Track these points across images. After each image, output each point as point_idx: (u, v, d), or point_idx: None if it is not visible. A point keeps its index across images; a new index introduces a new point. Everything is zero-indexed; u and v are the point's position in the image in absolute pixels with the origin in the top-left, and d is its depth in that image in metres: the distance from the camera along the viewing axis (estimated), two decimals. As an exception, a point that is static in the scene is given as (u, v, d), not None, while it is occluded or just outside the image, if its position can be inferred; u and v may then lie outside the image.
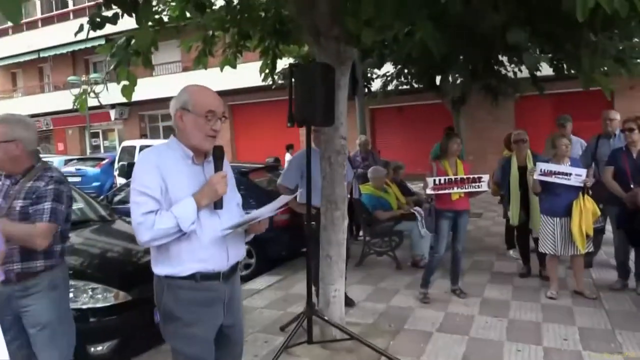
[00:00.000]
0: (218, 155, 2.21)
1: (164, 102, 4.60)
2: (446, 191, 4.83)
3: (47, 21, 26.04)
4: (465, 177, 4.88)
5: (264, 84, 9.77)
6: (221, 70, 6.83)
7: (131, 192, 2.08)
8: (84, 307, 3.59)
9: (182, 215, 2.03)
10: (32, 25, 26.45)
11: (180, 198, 2.06)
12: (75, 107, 5.06)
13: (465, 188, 4.87)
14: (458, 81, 9.89)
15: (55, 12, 26.15)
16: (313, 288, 3.93)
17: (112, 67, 4.91)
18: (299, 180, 4.75)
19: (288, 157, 14.46)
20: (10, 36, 26.55)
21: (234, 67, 6.87)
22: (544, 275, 5.75)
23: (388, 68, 11.62)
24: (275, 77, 8.96)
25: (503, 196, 6.27)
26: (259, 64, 7.14)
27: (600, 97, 5.71)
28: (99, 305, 3.65)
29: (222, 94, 15.60)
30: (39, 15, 26.69)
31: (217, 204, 2.15)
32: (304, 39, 4.25)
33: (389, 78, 12.55)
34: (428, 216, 5.28)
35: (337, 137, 3.92)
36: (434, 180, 4.83)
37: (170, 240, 2.06)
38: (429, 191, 4.83)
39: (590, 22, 4.98)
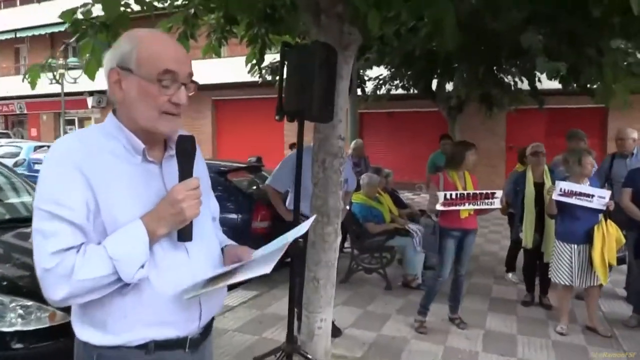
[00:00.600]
0: (185, 149, 1.38)
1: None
2: (457, 207, 4.18)
3: (25, 0, 24.95)
4: (478, 192, 4.25)
5: (249, 79, 9.12)
6: (203, 55, 6.13)
7: (34, 215, 1.26)
8: (10, 329, 2.85)
9: (123, 256, 1.24)
10: (10, 4, 25.29)
11: (121, 223, 1.27)
12: (26, 80, 4.33)
13: (478, 205, 4.24)
14: (455, 87, 9.31)
15: (34, -8, 25.07)
16: (296, 315, 3.25)
17: (73, 39, 4.18)
18: (290, 185, 4.08)
19: None
20: (-13, 13, 25.40)
21: (218, 54, 6.18)
22: (545, 304, 5.22)
23: (381, 71, 11.07)
24: (263, 71, 8.37)
25: (512, 215, 5.66)
26: (243, 59, 6.47)
27: (594, 114, 5.25)
28: (30, 327, 2.88)
29: (205, 88, 14.89)
30: (18, -7, 25.59)
31: (184, 233, 1.35)
32: (302, 18, 3.64)
33: (381, 81, 12.00)
34: (431, 234, 4.61)
35: (334, 136, 3.25)
36: (445, 195, 4.17)
37: (103, 294, 1.28)
38: (438, 207, 4.16)
39: (624, 24, 4.46)
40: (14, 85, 24.88)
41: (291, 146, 13.70)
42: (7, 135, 21.21)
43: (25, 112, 26.25)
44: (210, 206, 1.58)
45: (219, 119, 20.98)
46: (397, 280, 5.97)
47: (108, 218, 1.27)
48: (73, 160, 1.26)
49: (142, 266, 1.27)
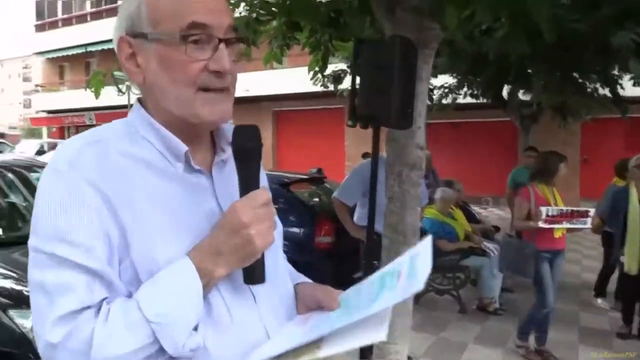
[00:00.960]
0: (248, 147, 0.94)
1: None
2: (556, 225, 3.72)
3: (95, 15, 26.03)
4: (576, 209, 3.76)
5: (310, 90, 8.89)
6: (265, 64, 5.91)
7: (30, 261, 0.86)
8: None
9: (167, 316, 0.82)
10: (81, 19, 26.51)
11: (160, 264, 0.87)
12: (89, 89, 4.25)
13: (574, 223, 3.75)
14: (534, 94, 8.66)
15: (104, 7, 26.15)
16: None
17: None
18: (359, 197, 3.77)
19: None
20: (60, 29, 26.63)
21: (280, 62, 5.92)
22: (647, 339, 4.57)
23: (446, 79, 10.55)
24: (325, 79, 8.12)
25: (608, 234, 5.05)
26: (304, 69, 6.23)
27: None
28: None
29: (266, 98, 14.94)
30: (88, 9, 26.77)
31: (253, 272, 0.92)
32: (376, 11, 3.31)
33: (446, 90, 11.46)
34: (517, 254, 4.07)
35: (412, 145, 2.87)
36: (547, 212, 3.70)
37: None
38: (541, 224, 3.71)
39: None
40: (84, 97, 25.99)
41: (364, 155, 13.17)
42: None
43: (94, 123, 27.34)
44: (281, 245, 1.17)
45: (279, 130, 20.96)
46: (472, 304, 5.47)
47: (140, 258, 0.86)
48: (85, 174, 0.85)
49: (195, 328, 0.86)
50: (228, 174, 1.01)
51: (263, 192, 0.91)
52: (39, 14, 27.65)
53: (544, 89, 7.67)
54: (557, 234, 3.83)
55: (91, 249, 0.83)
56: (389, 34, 2.96)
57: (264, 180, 1.14)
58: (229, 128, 1.01)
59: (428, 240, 0.98)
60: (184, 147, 0.95)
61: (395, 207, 2.91)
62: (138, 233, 0.87)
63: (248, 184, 0.93)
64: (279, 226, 1.17)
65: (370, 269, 2.62)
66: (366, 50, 2.45)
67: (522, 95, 9.98)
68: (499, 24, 5.65)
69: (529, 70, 7.59)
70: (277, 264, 1.06)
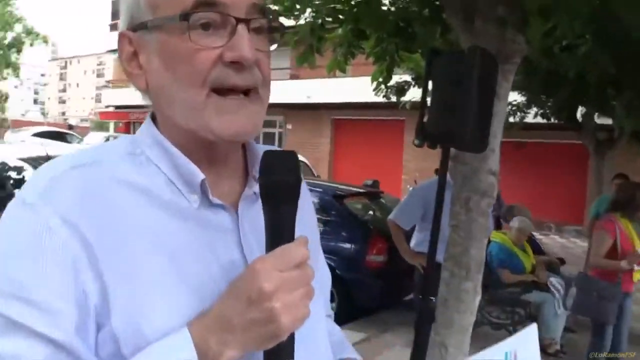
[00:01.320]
0: (278, 182, 0.68)
1: (271, 108, 3.50)
2: None
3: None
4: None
5: (371, 100, 8.68)
6: (328, 72, 5.75)
7: None
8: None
9: None
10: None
11: (150, 336, 0.64)
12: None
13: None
14: (618, 117, 8.07)
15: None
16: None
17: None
18: (417, 221, 3.53)
19: None
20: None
21: (344, 70, 5.72)
22: None
23: (514, 96, 10.06)
24: (388, 90, 7.91)
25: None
26: (366, 79, 6.02)
27: None
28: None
29: (326, 106, 14.85)
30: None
31: (277, 356, 0.66)
32: (451, 22, 3.07)
33: (514, 108, 10.94)
34: (611, 301, 3.62)
35: (483, 170, 2.58)
36: None
37: None
38: (623, 264, 3.36)
39: None
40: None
41: (437, 171, 12.68)
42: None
43: (158, 119, 28.21)
44: (322, 304, 0.86)
45: (337, 139, 20.78)
46: (531, 342, 5.04)
47: (124, 326, 0.64)
48: (60, 209, 0.64)
49: None
50: (254, 213, 0.76)
51: (298, 248, 0.65)
52: (114, 14, 28.82)
53: (627, 113, 7.10)
54: (638, 277, 3.44)
55: (56, 313, 0.61)
56: (464, 46, 2.69)
57: (310, 215, 0.90)
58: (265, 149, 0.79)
59: (533, 329, 0.74)
60: (199, 175, 0.72)
61: (459, 236, 2.62)
62: (125, 292, 0.64)
63: (277, 233, 0.67)
64: (324, 276, 0.92)
65: (427, 306, 2.35)
66: (441, 62, 2.19)
67: (597, 118, 9.38)
68: (581, 40, 5.27)
69: (609, 92, 7.08)
70: (316, 339, 0.79)
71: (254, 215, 0.76)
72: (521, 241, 5.22)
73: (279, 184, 0.67)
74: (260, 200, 0.70)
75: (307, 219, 0.81)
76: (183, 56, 0.68)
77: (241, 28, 0.68)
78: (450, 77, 2.12)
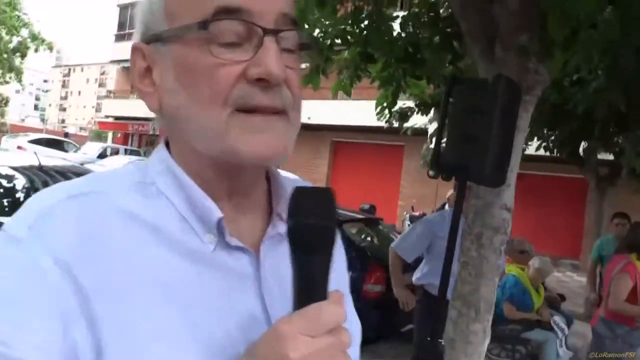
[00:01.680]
0: (307, 223, 0.54)
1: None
2: None
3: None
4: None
5: (372, 124, 8.60)
6: (333, 94, 5.67)
7: None
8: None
9: None
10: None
11: None
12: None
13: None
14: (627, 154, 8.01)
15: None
16: None
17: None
18: (423, 252, 3.39)
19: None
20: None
21: (349, 93, 5.65)
22: None
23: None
24: (391, 116, 7.84)
25: None
26: (367, 102, 5.94)
27: None
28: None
29: (326, 128, 14.78)
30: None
31: None
32: (468, 50, 2.98)
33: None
34: (634, 348, 3.48)
35: (497, 205, 2.45)
36: None
37: None
38: None
39: None
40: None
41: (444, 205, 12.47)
42: (137, 153, 22.43)
43: (157, 133, 28.07)
44: (354, 350, 0.75)
45: (336, 161, 20.73)
46: (531, 383, 4.87)
47: None
48: (51, 247, 0.54)
49: None
50: (284, 259, 0.60)
51: (333, 308, 0.52)
52: (121, 25, 28.90)
53: (637, 153, 7.01)
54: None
55: None
56: (483, 75, 2.59)
57: (342, 261, 0.77)
58: (294, 181, 0.68)
59: None
60: (216, 213, 0.61)
61: (469, 274, 2.48)
62: (123, 349, 0.53)
63: (307, 288, 0.54)
64: (355, 333, 0.79)
65: (437, 350, 2.19)
66: (461, 90, 2.07)
67: (599, 154, 9.33)
68: (592, 75, 5.21)
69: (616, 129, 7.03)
70: None
71: (278, 260, 0.64)
72: (537, 282, 5.03)
73: (313, 230, 0.54)
74: (286, 242, 0.57)
75: (337, 265, 0.66)
76: (202, 71, 0.58)
77: (268, 40, 0.58)
78: (471, 106, 2.01)
